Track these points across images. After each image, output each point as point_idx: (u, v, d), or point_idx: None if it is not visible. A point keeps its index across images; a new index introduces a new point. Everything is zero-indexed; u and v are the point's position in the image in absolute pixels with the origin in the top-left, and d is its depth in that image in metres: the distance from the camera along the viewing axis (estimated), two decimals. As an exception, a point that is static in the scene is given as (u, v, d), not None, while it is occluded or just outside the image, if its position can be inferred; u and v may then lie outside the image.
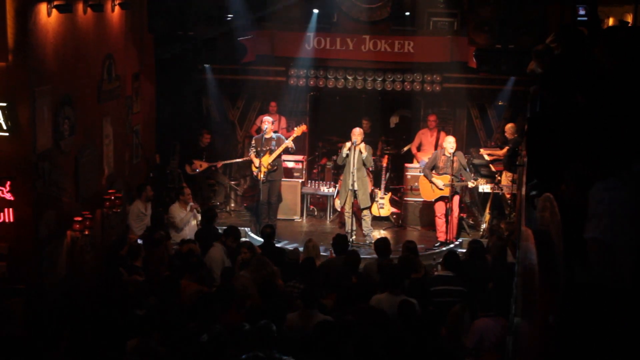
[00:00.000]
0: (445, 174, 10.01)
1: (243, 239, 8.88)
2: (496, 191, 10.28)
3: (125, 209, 8.86)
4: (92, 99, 7.95)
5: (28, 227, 6.52)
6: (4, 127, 6.31)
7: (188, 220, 9.37)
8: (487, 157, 11.13)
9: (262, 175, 10.24)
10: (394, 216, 11.33)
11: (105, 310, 6.56)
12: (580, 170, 4.07)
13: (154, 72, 10.80)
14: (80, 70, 7.54)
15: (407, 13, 11.20)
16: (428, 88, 11.62)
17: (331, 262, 7.81)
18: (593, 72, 4.71)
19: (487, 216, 10.50)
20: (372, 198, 10.71)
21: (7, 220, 6.42)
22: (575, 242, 3.80)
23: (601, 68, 4.69)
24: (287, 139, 10.34)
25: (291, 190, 11.26)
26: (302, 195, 11.40)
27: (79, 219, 7.24)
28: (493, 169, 10.91)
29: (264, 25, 11.23)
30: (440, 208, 10.17)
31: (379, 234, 10.42)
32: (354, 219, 10.29)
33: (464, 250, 8.65)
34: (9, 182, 6.38)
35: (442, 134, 11.33)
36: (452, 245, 9.98)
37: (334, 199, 11.25)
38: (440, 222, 10.19)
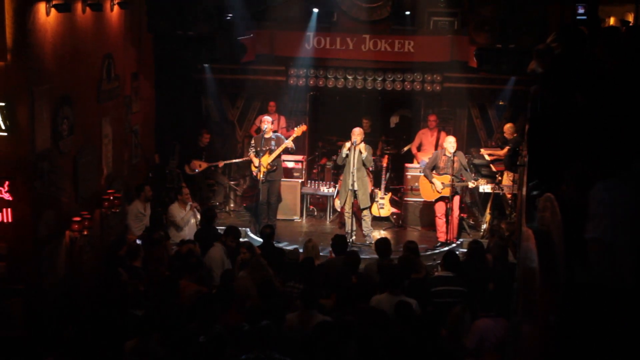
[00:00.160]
0: (446, 174, 9.99)
1: (242, 239, 8.86)
2: (497, 191, 10.26)
3: (124, 209, 8.84)
4: (91, 98, 7.94)
5: (27, 227, 6.52)
6: (3, 127, 6.31)
7: (188, 220, 9.36)
8: (487, 157, 11.11)
9: (261, 175, 10.22)
10: (394, 216, 11.30)
11: (104, 310, 6.54)
12: (581, 170, 4.07)
13: (153, 72, 10.77)
14: (79, 70, 7.52)
15: (408, 12, 11.17)
16: (428, 88, 11.60)
17: (331, 263, 7.79)
18: (593, 72, 4.70)
19: (487, 216, 10.48)
20: (372, 198, 10.68)
21: (5, 221, 6.41)
22: (576, 242, 3.80)
23: (601, 68, 4.68)
24: (286, 138, 10.31)
25: (291, 190, 11.23)
26: (302, 196, 11.38)
27: (78, 219, 7.24)
28: (494, 169, 10.88)
29: (264, 25, 11.22)
30: (440, 208, 10.15)
31: (379, 234, 10.39)
32: (353, 219, 10.26)
33: (465, 251, 8.63)
34: (7, 182, 6.37)
35: (443, 133, 11.31)
36: (454, 245, 9.97)
37: (333, 199, 11.22)
38: (440, 223, 10.16)
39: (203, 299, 6.05)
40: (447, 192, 9.96)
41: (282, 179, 10.80)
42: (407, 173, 11.23)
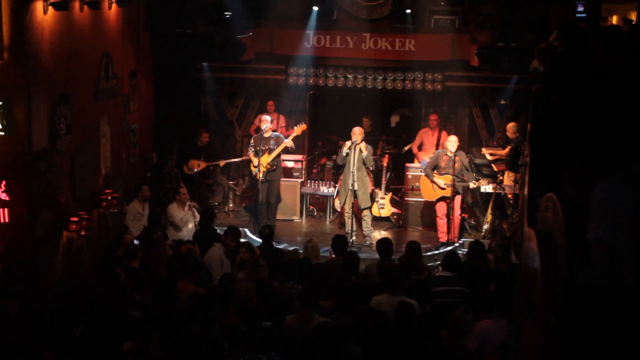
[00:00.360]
0: (447, 174, 9.94)
1: (242, 240, 8.81)
2: (498, 191, 10.21)
3: (122, 208, 8.80)
4: (89, 97, 7.90)
5: (24, 227, 6.48)
6: (0, 126, 6.25)
7: (187, 220, 9.31)
8: (489, 157, 11.07)
9: (261, 175, 10.16)
10: (395, 216, 11.26)
11: (102, 311, 6.50)
12: (582, 170, 4.05)
13: (152, 71, 10.74)
14: (77, 69, 7.48)
15: (408, 11, 11.11)
16: (429, 87, 11.55)
17: (330, 263, 7.75)
18: (595, 71, 4.66)
19: (489, 216, 10.43)
20: (373, 198, 10.63)
21: (2, 221, 6.37)
22: (578, 243, 3.78)
23: (603, 67, 4.65)
24: (286, 138, 10.26)
25: (290, 190, 11.18)
26: (302, 195, 11.33)
27: (76, 219, 7.20)
28: (495, 168, 10.85)
29: (263, 23, 11.17)
30: (441, 208, 10.09)
31: (379, 234, 10.35)
32: (354, 220, 10.21)
33: (466, 251, 8.59)
34: (4, 182, 6.33)
35: (444, 133, 11.28)
36: (457, 245, 9.93)
37: (333, 199, 11.18)
38: (441, 223, 10.11)
39: (201, 300, 6.00)
40: (448, 192, 9.91)
41: (282, 179, 10.76)
42: (407, 173, 11.19)
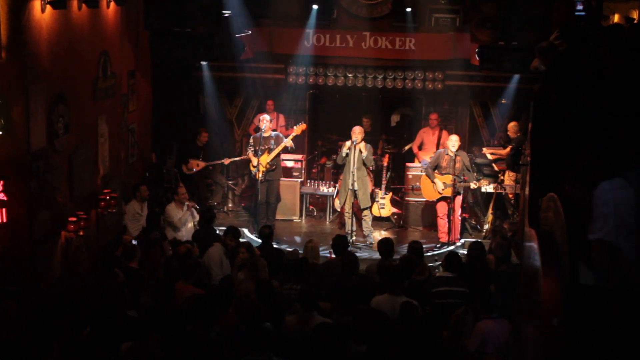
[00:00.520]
0: (448, 173, 9.90)
1: (241, 240, 8.79)
2: (499, 191, 10.19)
3: (120, 209, 8.77)
4: (87, 97, 7.86)
5: (22, 227, 6.44)
6: (-3, 126, 6.22)
7: (186, 220, 9.28)
8: (490, 157, 11.04)
9: (260, 175, 10.13)
10: (395, 216, 11.23)
11: (101, 311, 6.47)
12: (584, 170, 4.04)
13: (150, 70, 10.71)
14: (75, 68, 7.44)
15: (409, 9, 11.09)
16: (429, 86, 11.53)
17: (330, 263, 7.72)
18: (596, 70, 4.64)
19: (489, 216, 10.41)
20: (373, 198, 10.60)
21: (0, 221, 6.32)
22: (580, 243, 3.77)
23: (605, 66, 4.62)
24: (286, 137, 10.23)
25: (290, 190, 11.16)
26: (302, 195, 11.30)
27: (74, 219, 7.15)
28: (496, 168, 10.82)
29: (263, 22, 11.14)
30: (442, 208, 10.06)
31: (379, 234, 10.32)
32: (354, 220, 10.18)
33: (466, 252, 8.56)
34: (2, 182, 6.27)
35: (444, 132, 11.26)
36: (459, 244, 9.89)
37: (333, 199, 11.15)
38: (442, 223, 10.08)
39: (201, 300, 5.98)
40: (448, 192, 9.88)
41: (282, 179, 10.74)
42: (408, 172, 11.16)
